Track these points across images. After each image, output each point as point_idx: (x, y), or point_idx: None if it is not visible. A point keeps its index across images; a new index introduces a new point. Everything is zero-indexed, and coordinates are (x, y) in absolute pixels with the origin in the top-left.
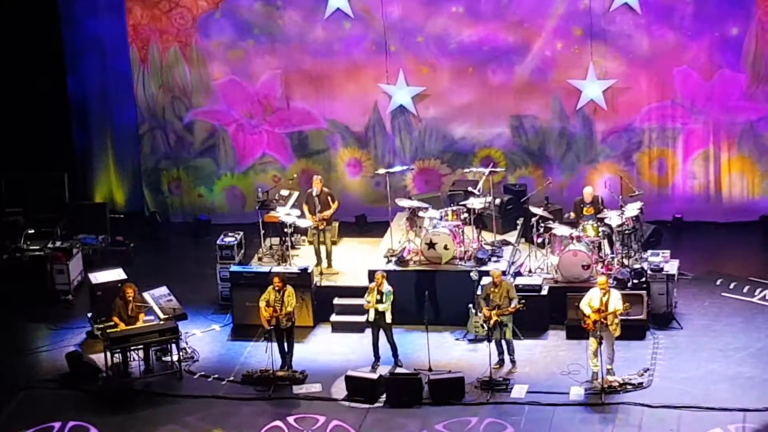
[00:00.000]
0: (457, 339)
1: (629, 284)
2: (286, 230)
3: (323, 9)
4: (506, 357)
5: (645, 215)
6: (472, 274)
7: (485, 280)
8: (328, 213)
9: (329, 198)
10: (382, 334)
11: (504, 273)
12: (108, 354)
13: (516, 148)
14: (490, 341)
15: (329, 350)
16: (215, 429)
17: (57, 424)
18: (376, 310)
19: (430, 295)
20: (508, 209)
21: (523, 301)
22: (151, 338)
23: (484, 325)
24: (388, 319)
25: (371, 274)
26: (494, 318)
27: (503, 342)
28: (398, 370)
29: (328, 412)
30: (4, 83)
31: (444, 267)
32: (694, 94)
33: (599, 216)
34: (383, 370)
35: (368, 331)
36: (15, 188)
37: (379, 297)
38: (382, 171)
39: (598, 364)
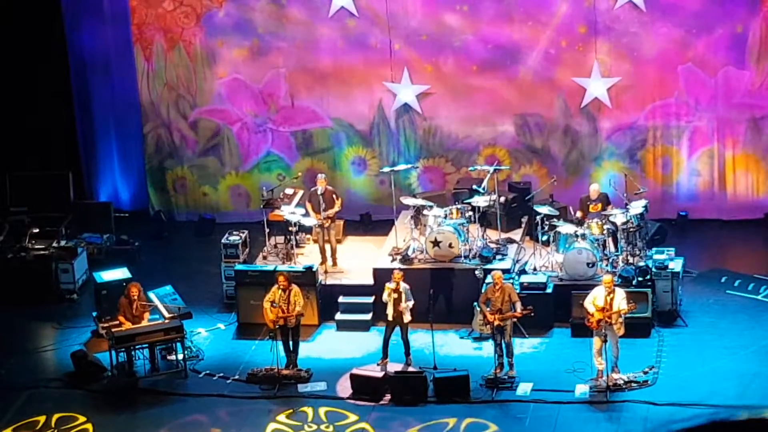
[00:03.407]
0: (462, 337)
1: (634, 282)
2: (290, 229)
3: (327, 7)
4: (505, 360)
5: (649, 213)
6: (477, 272)
7: (489, 279)
8: (332, 211)
9: (333, 196)
10: (396, 332)
11: (508, 270)
12: (113, 353)
13: (520, 146)
14: (495, 340)
15: (334, 348)
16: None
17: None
18: (395, 308)
19: (434, 294)
20: (513, 207)
21: (530, 307)
22: (156, 337)
23: (488, 325)
24: (407, 318)
25: (376, 273)
26: (496, 322)
27: (503, 344)
28: (407, 368)
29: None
30: (8, 82)
31: (448, 265)
32: (698, 92)
33: (605, 213)
34: (390, 367)
35: (373, 330)
36: (19, 187)
37: (396, 296)
38: (386, 169)
39: (602, 362)
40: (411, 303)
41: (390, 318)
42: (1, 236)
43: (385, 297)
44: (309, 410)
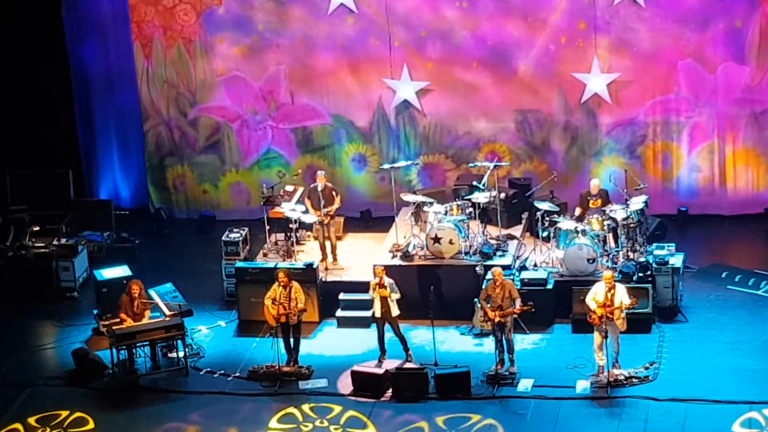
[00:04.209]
0: (462, 334)
1: (634, 278)
2: (291, 226)
3: (327, 4)
4: (506, 356)
5: (650, 208)
6: (477, 268)
7: (490, 276)
8: (332, 208)
9: (333, 193)
10: (387, 328)
11: (509, 267)
12: (114, 351)
13: (520, 143)
14: (495, 336)
15: (335, 345)
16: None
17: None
18: (382, 304)
19: (435, 290)
20: (513, 203)
21: (530, 303)
22: (156, 335)
23: (488, 322)
24: (395, 312)
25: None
26: (497, 319)
27: (504, 341)
28: (407, 364)
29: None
30: (8, 80)
31: (449, 261)
32: (698, 87)
33: (605, 209)
34: (390, 363)
35: (374, 326)
36: (20, 185)
37: (382, 290)
38: (386, 166)
39: (603, 357)
40: (397, 296)
41: (378, 315)
42: (8, 240)
43: (371, 294)
44: (296, 411)
